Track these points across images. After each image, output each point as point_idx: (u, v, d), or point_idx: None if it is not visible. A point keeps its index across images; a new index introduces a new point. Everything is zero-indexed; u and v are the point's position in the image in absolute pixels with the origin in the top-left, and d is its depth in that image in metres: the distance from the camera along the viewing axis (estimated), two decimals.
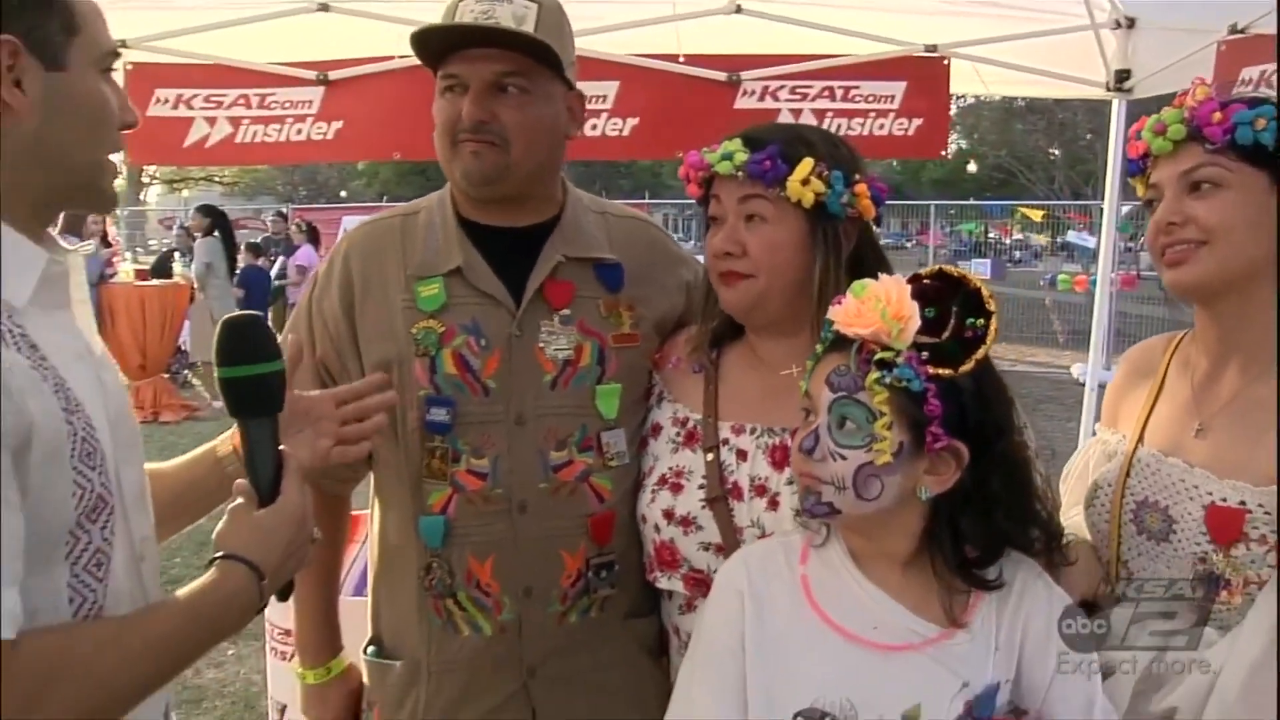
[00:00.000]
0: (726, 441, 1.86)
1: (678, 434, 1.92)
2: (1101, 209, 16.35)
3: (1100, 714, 1.56)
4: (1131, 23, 4.31)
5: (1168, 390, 1.86)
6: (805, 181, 1.76)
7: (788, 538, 1.67)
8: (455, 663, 1.91)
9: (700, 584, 1.82)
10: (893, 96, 4.48)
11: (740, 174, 1.78)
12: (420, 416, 1.88)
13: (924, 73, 4.46)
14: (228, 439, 1.70)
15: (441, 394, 1.88)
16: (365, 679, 2.06)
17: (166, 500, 1.58)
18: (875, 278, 1.73)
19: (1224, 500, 1.65)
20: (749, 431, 1.85)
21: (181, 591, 1.36)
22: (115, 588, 1.35)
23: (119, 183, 1.49)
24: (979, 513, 1.53)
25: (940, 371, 1.49)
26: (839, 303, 1.54)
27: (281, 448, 1.50)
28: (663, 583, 1.89)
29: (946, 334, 1.53)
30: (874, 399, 1.48)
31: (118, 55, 1.40)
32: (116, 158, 1.42)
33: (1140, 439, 1.83)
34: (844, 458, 1.50)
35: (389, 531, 2.00)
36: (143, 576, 1.43)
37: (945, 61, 4.45)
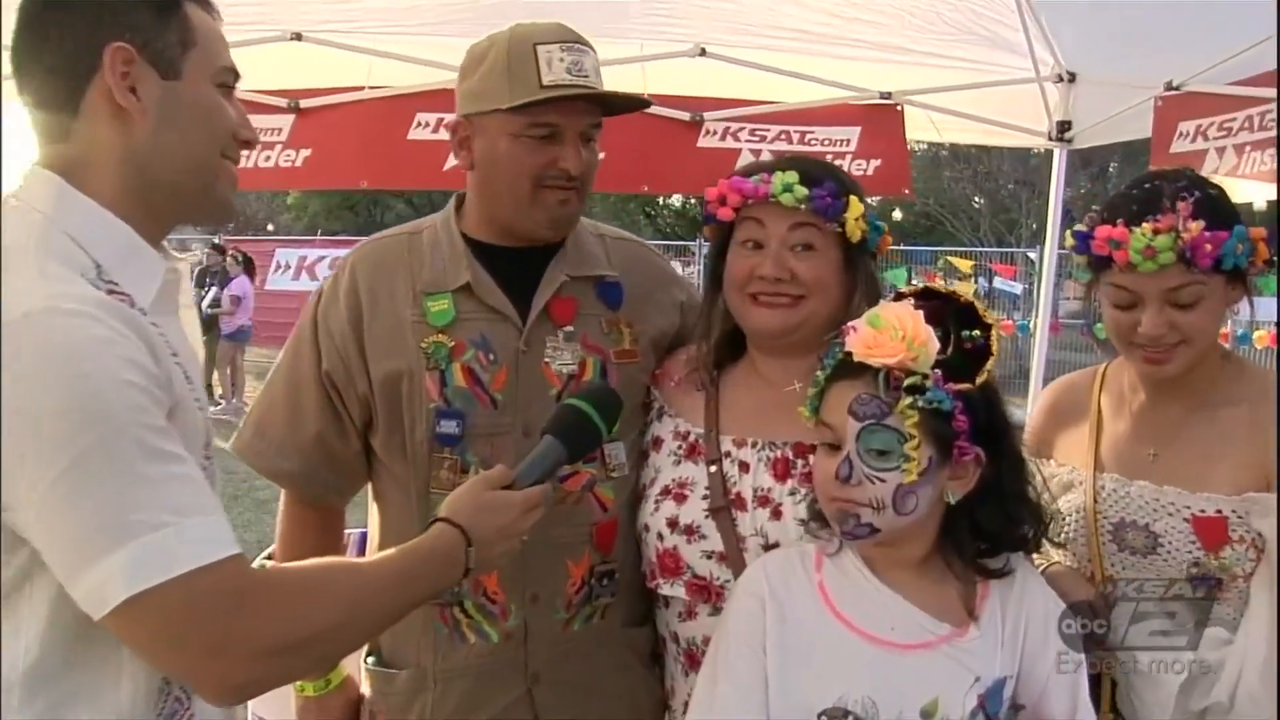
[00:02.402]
0: (728, 454, 1.95)
1: (679, 447, 2.01)
2: (1027, 256, 16.66)
3: (1084, 714, 1.68)
4: (1073, 77, 4.55)
5: (1107, 422, 2.05)
6: (857, 219, 1.91)
7: (801, 548, 1.76)
8: (461, 669, 1.97)
9: (702, 590, 1.91)
10: (848, 140, 4.68)
11: (804, 206, 1.89)
12: (430, 428, 1.95)
13: (879, 118, 4.66)
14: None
15: (452, 406, 1.94)
16: (365, 688, 2.10)
17: None
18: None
19: (1203, 511, 1.85)
20: (750, 445, 1.95)
21: (402, 546, 1.56)
22: None
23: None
24: (994, 504, 1.66)
25: (963, 387, 1.60)
26: (851, 331, 1.63)
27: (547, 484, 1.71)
28: (664, 589, 1.96)
29: (950, 350, 1.63)
30: (905, 422, 1.57)
31: (237, 75, 1.48)
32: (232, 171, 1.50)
33: (1096, 468, 2.00)
34: (882, 480, 1.59)
35: (392, 543, 2.05)
36: None
37: (899, 108, 4.65)
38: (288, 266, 18.14)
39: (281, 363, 2.09)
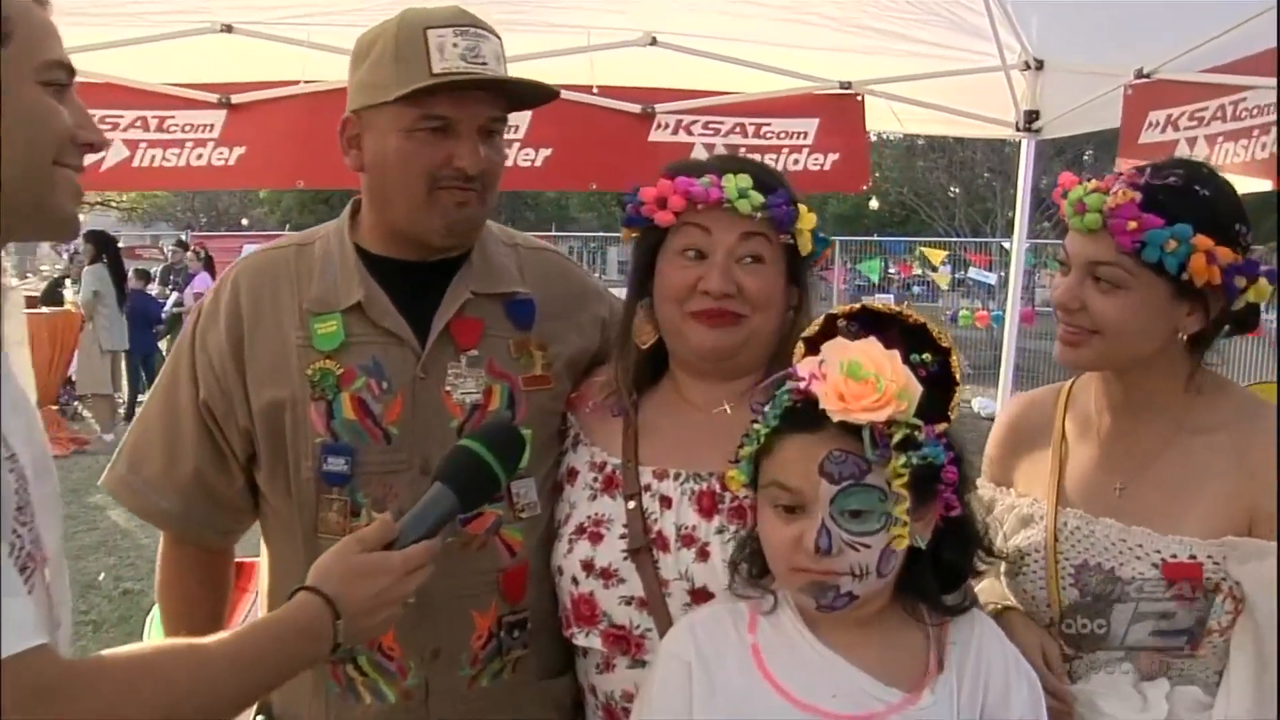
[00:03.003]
0: (649, 488, 1.75)
1: (595, 479, 1.81)
2: (1003, 246, 16.66)
3: None
4: (1040, 64, 4.36)
5: (1072, 447, 1.85)
6: (809, 230, 1.74)
7: (734, 605, 1.55)
8: None
9: (620, 640, 1.72)
10: (805, 133, 4.48)
11: (759, 214, 1.70)
12: (316, 466, 1.75)
13: (838, 109, 4.47)
14: None
15: (339, 441, 1.75)
16: None
17: None
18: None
19: (1174, 556, 1.65)
20: (673, 477, 1.75)
21: (258, 620, 1.41)
22: None
23: None
24: (955, 536, 1.47)
25: (942, 428, 1.41)
26: (815, 380, 1.39)
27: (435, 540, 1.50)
28: (579, 639, 1.77)
29: None
30: (895, 481, 1.37)
31: (69, 69, 1.28)
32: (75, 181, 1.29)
33: (1058, 501, 1.81)
34: (866, 546, 1.38)
35: (280, 589, 1.85)
36: (59, 645, 1.32)
37: (859, 98, 4.46)
38: None
39: (158, 388, 1.89)
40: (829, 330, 1.48)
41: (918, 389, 1.38)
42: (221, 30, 3.98)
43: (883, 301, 1.53)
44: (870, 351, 1.39)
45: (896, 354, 1.39)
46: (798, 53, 4.32)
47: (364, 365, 1.76)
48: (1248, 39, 3.31)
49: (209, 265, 14.15)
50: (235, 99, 4.22)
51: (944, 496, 1.41)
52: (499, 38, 1.79)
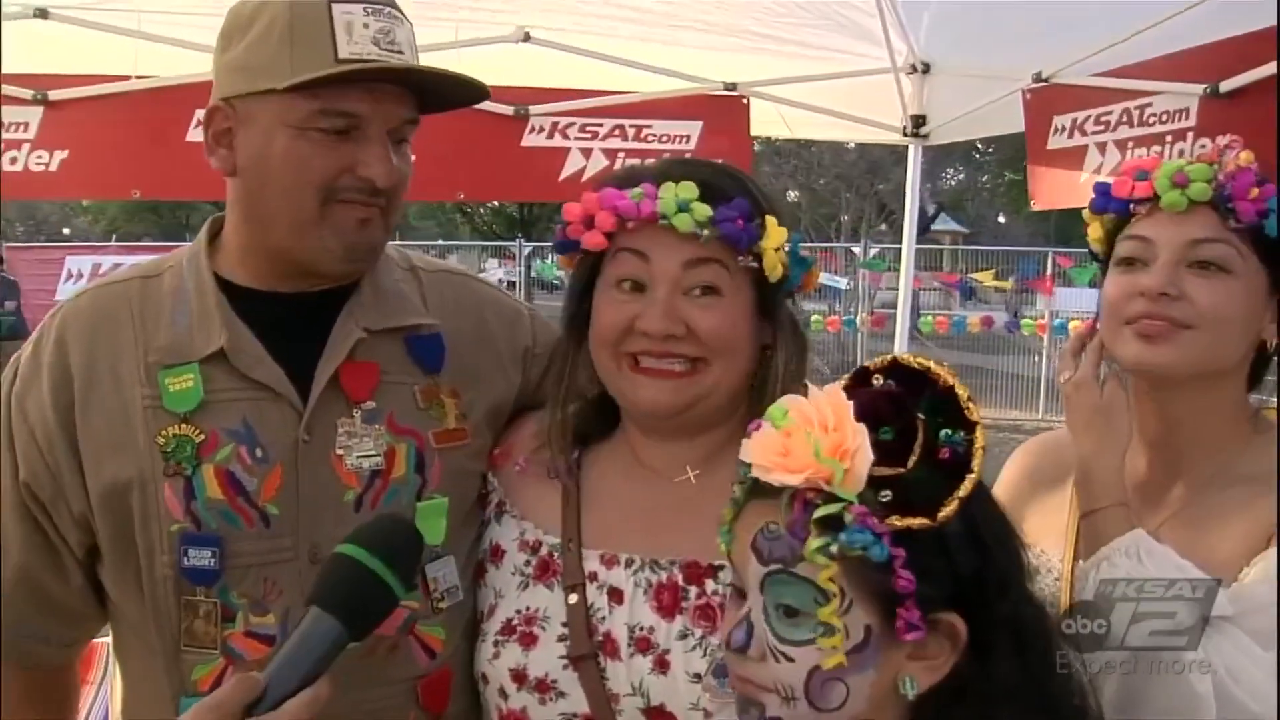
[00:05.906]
0: (594, 577, 1.44)
1: (527, 563, 1.49)
2: (850, 251, 16.89)
3: None
4: (927, 68, 4.23)
5: None
6: (778, 250, 1.42)
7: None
8: None
9: None
10: (688, 136, 4.28)
11: (705, 232, 1.39)
12: (174, 561, 1.39)
13: (722, 112, 4.27)
14: None
15: (204, 528, 1.40)
16: None
17: None
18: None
19: None
20: (624, 564, 1.44)
21: None
22: None
23: None
24: (979, 705, 1.10)
25: (910, 523, 1.06)
26: (755, 428, 1.12)
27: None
28: None
29: (913, 460, 1.09)
30: (820, 575, 1.06)
31: None
32: None
33: (1075, 554, 1.57)
34: (790, 659, 1.08)
35: (138, 710, 1.49)
36: None
37: (744, 100, 4.26)
38: (80, 275, 16.72)
39: None
40: (861, 383, 1.17)
41: (861, 458, 1.06)
42: (35, 15, 3.49)
43: (914, 355, 1.21)
44: (817, 399, 1.10)
45: (848, 406, 1.08)
46: (680, 51, 4.08)
47: (231, 429, 1.41)
48: (1153, 43, 3.22)
49: None
50: (54, 95, 3.72)
51: (901, 612, 1.07)
52: (411, 23, 1.47)
